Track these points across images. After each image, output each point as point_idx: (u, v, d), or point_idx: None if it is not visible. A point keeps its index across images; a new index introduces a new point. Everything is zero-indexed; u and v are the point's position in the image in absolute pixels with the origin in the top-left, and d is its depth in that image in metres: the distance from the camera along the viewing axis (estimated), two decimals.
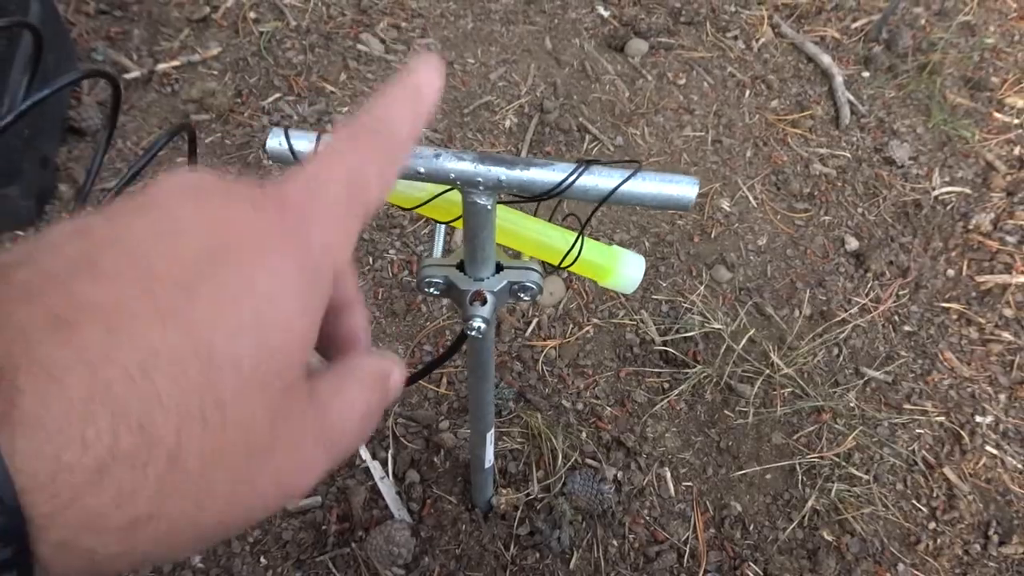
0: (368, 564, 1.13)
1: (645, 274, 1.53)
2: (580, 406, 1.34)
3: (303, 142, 0.55)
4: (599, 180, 0.53)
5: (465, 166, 0.52)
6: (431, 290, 0.64)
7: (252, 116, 1.62)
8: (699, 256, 1.59)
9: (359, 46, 1.78)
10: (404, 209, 0.61)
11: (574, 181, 0.53)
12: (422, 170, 0.52)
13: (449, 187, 0.60)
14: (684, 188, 0.52)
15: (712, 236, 1.63)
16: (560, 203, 0.65)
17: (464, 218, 0.57)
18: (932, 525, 1.31)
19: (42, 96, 0.48)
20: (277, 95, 1.66)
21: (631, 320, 1.46)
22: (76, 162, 1.49)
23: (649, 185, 0.53)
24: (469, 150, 0.55)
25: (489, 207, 0.55)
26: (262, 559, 1.13)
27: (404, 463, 1.23)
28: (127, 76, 1.61)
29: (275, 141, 0.55)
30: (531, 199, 0.55)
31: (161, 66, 1.64)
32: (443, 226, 0.67)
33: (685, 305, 1.49)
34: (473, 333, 0.62)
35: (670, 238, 1.60)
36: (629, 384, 1.38)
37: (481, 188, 0.53)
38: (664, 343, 1.42)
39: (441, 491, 1.21)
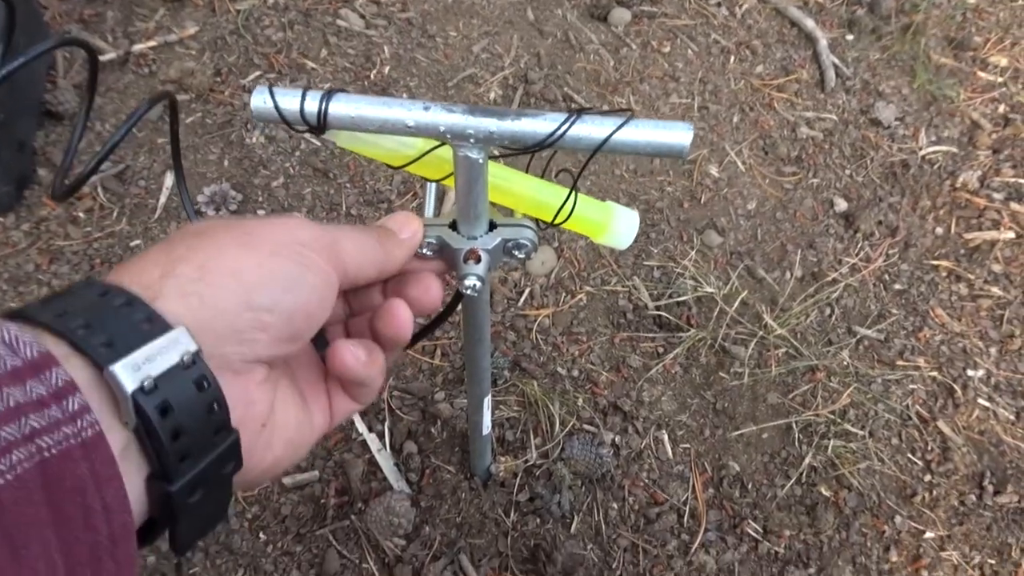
0: (369, 535, 1.13)
1: (637, 240, 1.53)
2: (576, 373, 1.34)
3: (288, 99, 0.54)
4: (592, 129, 0.52)
5: (455, 119, 0.51)
6: (424, 250, 0.63)
7: (232, 95, 1.60)
8: (689, 222, 1.59)
9: (339, 22, 1.75)
10: (393, 168, 0.60)
11: (567, 130, 0.52)
12: (411, 124, 0.51)
13: (439, 143, 0.59)
14: (678, 134, 0.52)
15: (702, 201, 1.62)
16: (552, 158, 0.65)
17: (456, 174, 0.56)
18: (927, 477, 1.33)
19: (17, 66, 0.46)
20: (257, 73, 1.64)
21: (624, 287, 1.46)
22: (54, 146, 1.46)
23: (642, 132, 0.52)
24: (459, 103, 0.54)
25: (481, 161, 0.54)
26: (261, 535, 1.13)
27: (401, 435, 1.23)
28: (103, 58, 1.58)
29: (260, 99, 0.54)
30: (523, 151, 0.54)
31: (137, 47, 1.61)
32: (434, 185, 0.66)
33: (677, 270, 1.49)
34: (468, 292, 0.62)
35: (660, 205, 1.60)
36: (624, 350, 1.38)
37: (472, 141, 0.52)
38: (657, 308, 1.42)
39: (439, 461, 1.21)
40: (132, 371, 0.30)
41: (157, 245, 0.37)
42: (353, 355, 0.43)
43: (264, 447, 0.39)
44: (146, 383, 0.30)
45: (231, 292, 0.35)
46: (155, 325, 0.31)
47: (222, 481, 0.35)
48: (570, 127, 0.52)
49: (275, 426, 0.39)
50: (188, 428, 0.32)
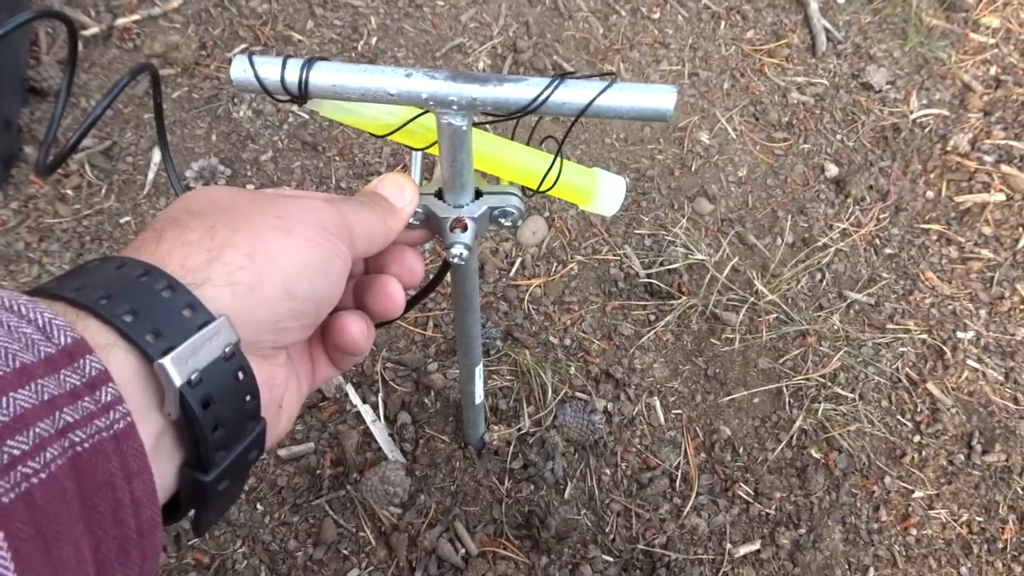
0: (364, 505, 1.14)
1: (627, 209, 1.53)
2: (568, 341, 1.35)
3: (269, 68, 0.53)
4: (575, 93, 0.52)
5: (437, 85, 0.51)
6: (411, 220, 0.63)
7: (218, 68, 1.58)
8: (680, 189, 1.59)
9: None
10: (377, 136, 0.60)
11: (550, 95, 0.52)
12: (392, 92, 0.51)
13: (423, 111, 0.58)
14: (662, 96, 0.51)
15: (692, 169, 1.62)
16: (537, 125, 0.64)
17: (440, 142, 0.56)
18: (917, 438, 1.35)
19: None
20: (243, 46, 1.62)
21: (615, 255, 1.46)
22: (39, 123, 1.45)
23: (626, 96, 0.52)
24: (441, 68, 0.53)
25: (464, 128, 0.54)
26: (258, 506, 1.14)
27: (395, 406, 1.24)
28: (85, 33, 1.56)
29: (240, 68, 0.53)
30: (507, 117, 0.54)
31: (120, 21, 1.59)
32: (419, 154, 0.66)
33: (668, 238, 1.49)
34: (456, 260, 0.62)
35: (650, 173, 1.60)
36: (615, 318, 1.39)
37: (455, 108, 0.52)
38: (648, 276, 1.43)
39: (433, 431, 1.22)
40: (180, 364, 0.30)
41: (192, 221, 0.35)
42: (360, 329, 0.44)
43: (274, 426, 0.39)
44: (193, 377, 0.30)
45: (275, 282, 0.35)
46: (197, 313, 0.31)
47: (247, 468, 0.36)
48: (553, 92, 0.52)
49: (285, 405, 0.40)
50: (226, 420, 0.32)
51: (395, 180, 0.51)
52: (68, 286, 0.31)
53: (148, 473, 0.29)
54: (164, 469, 0.32)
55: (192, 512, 0.35)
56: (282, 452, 1.18)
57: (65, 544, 0.25)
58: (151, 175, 1.44)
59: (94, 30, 1.57)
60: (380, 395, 1.25)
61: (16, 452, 0.24)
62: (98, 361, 0.28)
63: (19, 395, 0.25)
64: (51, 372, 0.26)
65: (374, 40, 1.67)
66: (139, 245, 0.34)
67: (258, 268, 0.34)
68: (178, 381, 0.30)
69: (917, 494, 1.30)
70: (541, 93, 0.52)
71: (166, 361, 0.29)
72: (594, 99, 0.52)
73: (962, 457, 1.34)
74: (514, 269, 1.41)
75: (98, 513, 0.27)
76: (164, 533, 1.09)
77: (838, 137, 1.73)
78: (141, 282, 0.31)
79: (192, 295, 0.31)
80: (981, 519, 1.30)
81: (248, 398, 0.34)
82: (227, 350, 0.32)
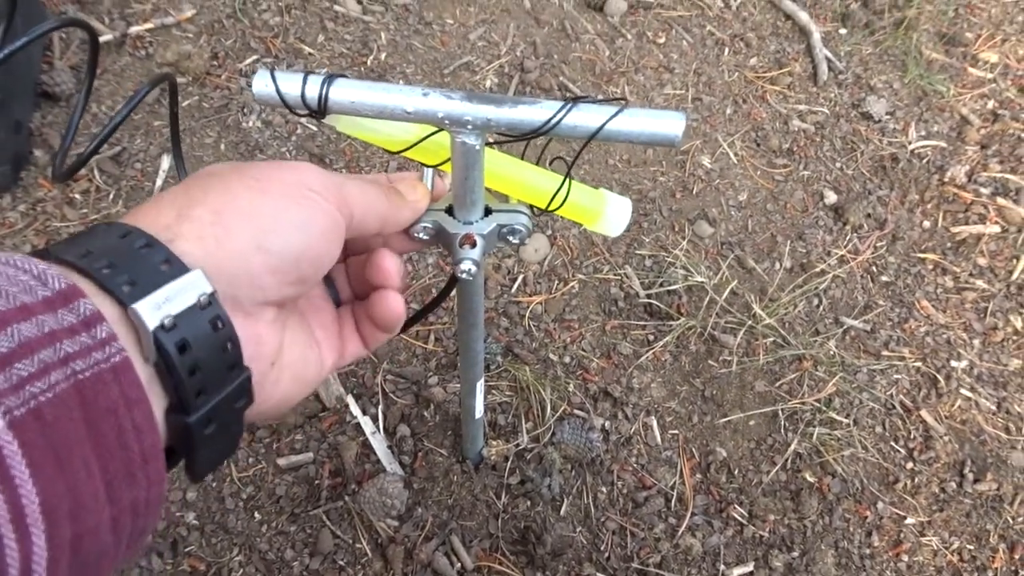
0: (362, 516, 1.15)
1: (629, 229, 1.55)
2: (567, 359, 1.36)
3: (290, 83, 0.55)
4: (586, 117, 0.54)
5: (454, 105, 0.53)
6: (421, 235, 0.64)
7: (229, 79, 1.60)
8: (681, 212, 1.61)
9: (336, 7, 1.75)
10: (391, 153, 0.62)
11: (562, 118, 0.53)
12: (409, 110, 0.53)
13: (437, 129, 0.60)
14: (671, 123, 0.53)
15: (694, 192, 1.64)
16: (547, 146, 0.66)
17: (453, 160, 0.58)
18: (910, 465, 1.36)
19: (18, 46, 0.47)
20: (254, 57, 1.64)
21: (615, 275, 1.47)
22: (51, 127, 1.47)
23: (636, 121, 0.54)
24: (457, 89, 0.55)
25: (478, 147, 0.56)
26: (256, 514, 1.15)
27: (394, 418, 1.25)
28: (99, 40, 1.58)
29: (262, 83, 0.55)
30: (519, 138, 0.56)
31: (134, 29, 1.61)
32: (431, 170, 0.68)
33: (668, 259, 1.51)
34: (464, 276, 0.63)
35: (652, 195, 1.62)
36: (615, 337, 1.41)
37: (469, 128, 0.54)
38: (648, 296, 1.44)
39: (432, 444, 1.23)
40: (153, 310, 0.32)
41: (173, 188, 0.38)
42: (392, 260, 0.48)
43: (273, 383, 0.41)
44: (166, 321, 0.32)
45: (244, 236, 0.37)
46: (173, 267, 0.33)
47: (235, 415, 0.37)
48: (566, 115, 0.53)
49: (283, 364, 0.42)
50: (204, 364, 0.34)
51: (408, 177, 0.54)
52: (57, 247, 0.33)
53: (146, 403, 0.30)
54: (155, 413, 0.33)
55: (185, 458, 0.37)
56: (281, 461, 1.19)
57: (75, 459, 0.27)
58: (159, 182, 1.45)
59: (107, 37, 1.59)
60: (380, 407, 1.25)
61: (24, 373, 0.26)
62: (91, 303, 0.30)
63: (22, 326, 0.27)
64: (49, 311, 0.28)
65: (383, 56, 1.70)
66: (132, 211, 0.37)
67: (226, 223, 0.36)
68: (151, 324, 0.31)
69: (909, 520, 1.31)
70: (554, 116, 0.53)
71: (138, 305, 0.31)
72: (605, 123, 0.53)
73: (954, 485, 1.35)
74: (516, 286, 1.43)
75: (103, 436, 0.28)
76: (162, 540, 1.09)
77: (837, 165, 1.76)
78: (121, 241, 0.33)
79: (168, 250, 0.34)
80: (972, 547, 1.30)
81: (228, 346, 0.35)
82: (202, 299, 0.33)
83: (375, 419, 1.24)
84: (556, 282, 1.45)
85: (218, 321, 0.34)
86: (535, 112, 0.53)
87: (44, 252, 0.33)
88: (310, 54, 1.67)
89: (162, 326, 0.32)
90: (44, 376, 0.26)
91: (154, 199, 0.37)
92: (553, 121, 0.53)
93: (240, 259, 0.36)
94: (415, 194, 0.53)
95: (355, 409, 1.24)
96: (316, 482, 1.18)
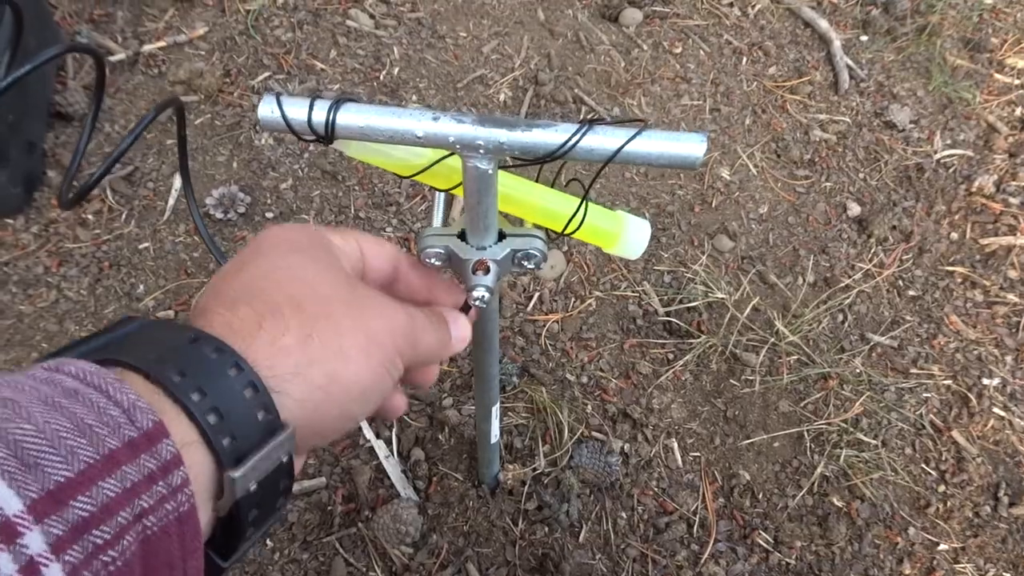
0: (376, 543, 1.12)
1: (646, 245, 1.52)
2: (585, 379, 1.33)
3: (296, 108, 0.53)
4: (603, 140, 0.51)
5: (465, 129, 0.50)
6: (432, 260, 0.62)
7: (241, 96, 1.59)
8: (700, 226, 1.57)
9: (348, 22, 1.74)
10: (402, 177, 0.59)
11: (578, 141, 0.51)
12: (420, 134, 0.50)
13: (448, 152, 0.57)
14: (691, 145, 0.50)
15: (713, 205, 1.61)
16: (562, 168, 0.63)
17: (465, 184, 0.55)
18: (942, 488, 1.31)
19: (25, 71, 0.45)
20: (266, 74, 1.63)
21: (634, 292, 1.44)
22: (63, 148, 1.46)
23: (655, 144, 0.51)
24: (468, 112, 0.52)
25: (491, 172, 0.53)
26: (268, 542, 1.12)
27: (409, 441, 1.22)
28: (112, 59, 1.57)
29: (267, 109, 0.53)
30: (534, 162, 0.53)
31: (147, 47, 1.61)
32: (443, 194, 0.65)
33: (688, 275, 1.48)
34: (477, 303, 0.60)
35: (671, 208, 1.58)
36: (633, 356, 1.37)
37: (482, 152, 0.51)
38: (668, 314, 1.41)
39: (447, 468, 1.20)
40: (246, 479, 0.32)
41: (290, 314, 0.36)
42: (404, 402, 0.50)
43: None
44: (252, 487, 0.32)
45: (340, 404, 0.37)
46: (269, 417, 0.33)
47: (267, 534, 0.39)
48: (582, 138, 0.51)
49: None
50: (260, 521, 0.34)
51: (464, 323, 0.53)
52: (142, 354, 0.32)
53: (200, 551, 0.30)
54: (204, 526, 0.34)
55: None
56: (293, 486, 1.16)
57: None
58: (171, 201, 1.44)
59: (120, 56, 1.58)
60: (394, 430, 1.23)
61: (99, 542, 0.26)
62: (173, 445, 0.29)
63: (106, 484, 0.26)
64: (133, 458, 0.28)
65: (396, 70, 1.68)
66: (231, 322, 0.35)
67: (331, 391, 0.36)
68: (240, 493, 0.32)
69: (942, 547, 1.26)
70: (569, 139, 0.51)
71: (237, 475, 0.31)
72: (623, 146, 0.51)
73: (988, 509, 1.30)
74: (532, 304, 1.40)
75: None
76: None
77: (861, 176, 1.71)
78: (229, 376, 0.32)
79: (270, 398, 0.33)
80: (1009, 575, 1.25)
81: (281, 500, 0.36)
82: (284, 460, 0.34)
83: (389, 442, 1.21)
84: (573, 300, 1.42)
85: (287, 478, 0.35)
86: (549, 135, 0.51)
87: (131, 361, 0.31)
88: (322, 70, 1.65)
89: (247, 491, 0.32)
90: (118, 542, 0.26)
91: (274, 338, 0.35)
92: (568, 145, 0.51)
93: (326, 422, 0.37)
94: (462, 342, 0.53)
95: (368, 432, 1.22)
96: (329, 508, 1.15)
